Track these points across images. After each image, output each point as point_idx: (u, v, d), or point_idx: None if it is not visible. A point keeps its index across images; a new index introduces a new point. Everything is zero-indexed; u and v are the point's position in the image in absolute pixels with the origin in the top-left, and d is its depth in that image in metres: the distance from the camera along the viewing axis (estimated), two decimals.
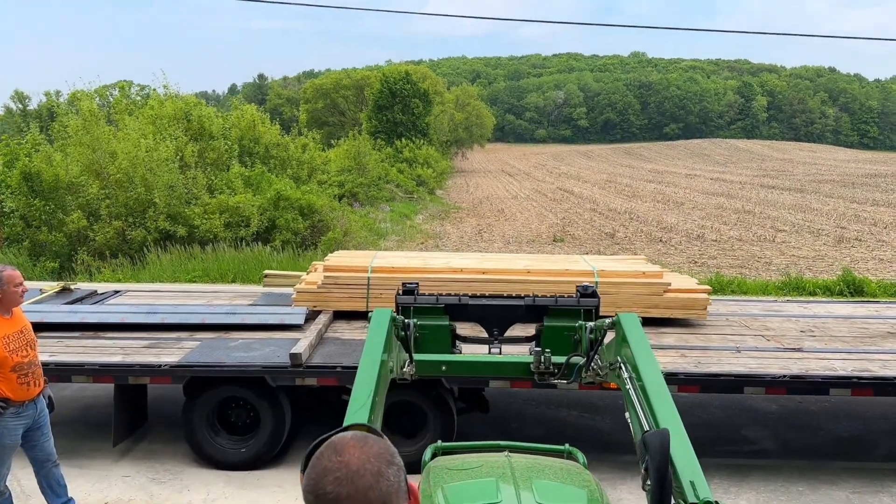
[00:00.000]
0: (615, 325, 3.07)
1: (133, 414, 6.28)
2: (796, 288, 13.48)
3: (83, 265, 15.15)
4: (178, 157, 17.24)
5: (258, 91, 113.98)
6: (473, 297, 3.46)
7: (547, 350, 3.26)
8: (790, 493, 5.63)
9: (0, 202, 16.63)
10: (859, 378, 5.52)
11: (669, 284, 7.00)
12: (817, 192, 41.35)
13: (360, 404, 2.49)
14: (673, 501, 2.14)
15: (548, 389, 6.52)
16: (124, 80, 29.63)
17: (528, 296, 3.45)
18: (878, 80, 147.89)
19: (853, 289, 13.26)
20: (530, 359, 3.29)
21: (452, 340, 3.44)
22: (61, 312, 6.88)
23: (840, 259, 19.41)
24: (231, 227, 16.17)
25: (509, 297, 3.52)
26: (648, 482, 2.14)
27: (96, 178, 16.26)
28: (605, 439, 6.61)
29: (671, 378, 5.51)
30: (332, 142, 38.42)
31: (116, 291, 8.40)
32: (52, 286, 8.20)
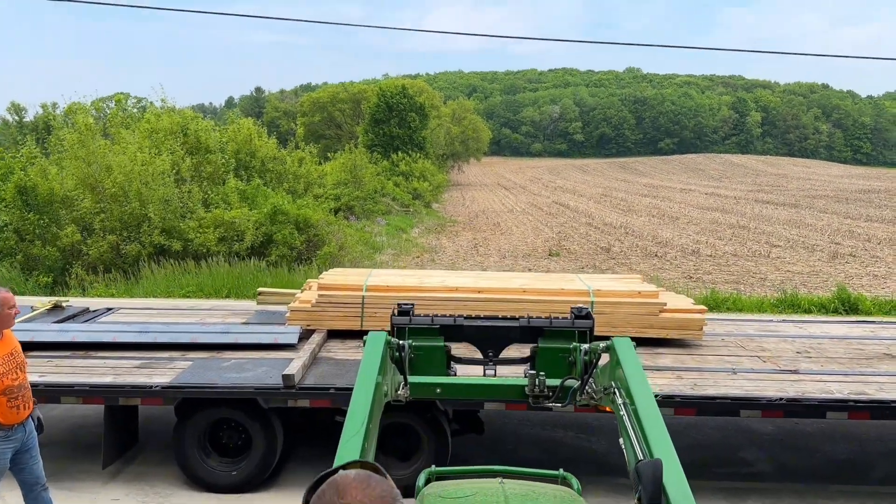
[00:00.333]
0: (609, 350, 3.06)
1: (123, 435, 6.20)
2: (791, 305, 13.49)
3: (77, 279, 15.05)
4: (174, 171, 17.21)
5: (255, 104, 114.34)
6: (468, 318, 3.44)
7: (541, 373, 3.24)
8: None
9: None
10: (856, 401, 5.50)
11: (665, 304, 6.98)
12: (811, 207, 41.54)
13: (355, 431, 2.48)
14: None
15: (543, 411, 6.48)
16: (121, 93, 29.65)
17: (523, 317, 3.44)
18: (870, 97, 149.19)
19: (848, 306, 13.28)
20: (525, 381, 3.27)
21: (447, 362, 3.42)
22: (52, 331, 6.81)
23: (834, 275, 19.45)
24: (225, 242, 16.10)
25: (504, 318, 3.50)
26: None
27: (91, 192, 16.21)
28: (600, 461, 6.56)
29: (668, 401, 5.48)
30: (329, 155, 38.47)
31: (109, 309, 8.33)
32: (43, 303, 8.13)
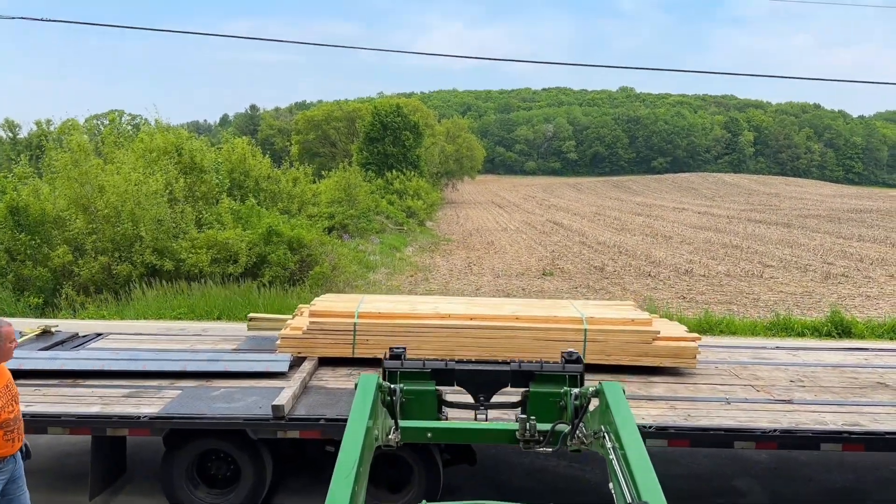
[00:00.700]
0: (599, 394, 3.09)
1: (111, 465, 6.11)
2: (785, 328, 13.50)
3: (67, 301, 14.95)
4: (167, 191, 17.18)
5: (250, 121, 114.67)
6: (460, 362, 3.45)
7: (532, 417, 3.24)
8: None
9: None
10: (850, 433, 5.47)
11: (659, 332, 6.96)
12: (804, 226, 41.77)
13: (345, 475, 2.48)
14: None
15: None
16: (115, 111, 29.71)
17: (513, 361, 3.45)
18: (861, 117, 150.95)
19: (841, 329, 13.31)
20: (515, 426, 3.26)
21: (439, 406, 3.42)
22: (40, 359, 6.74)
23: (827, 295, 19.51)
24: (219, 263, 16.03)
25: (495, 362, 3.51)
26: None
27: (83, 213, 16.14)
28: (593, 490, 6.50)
29: (661, 432, 5.44)
30: (324, 173, 38.55)
31: (98, 334, 8.25)
32: (32, 328, 8.05)
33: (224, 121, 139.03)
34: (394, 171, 47.31)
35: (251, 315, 8.56)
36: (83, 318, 13.21)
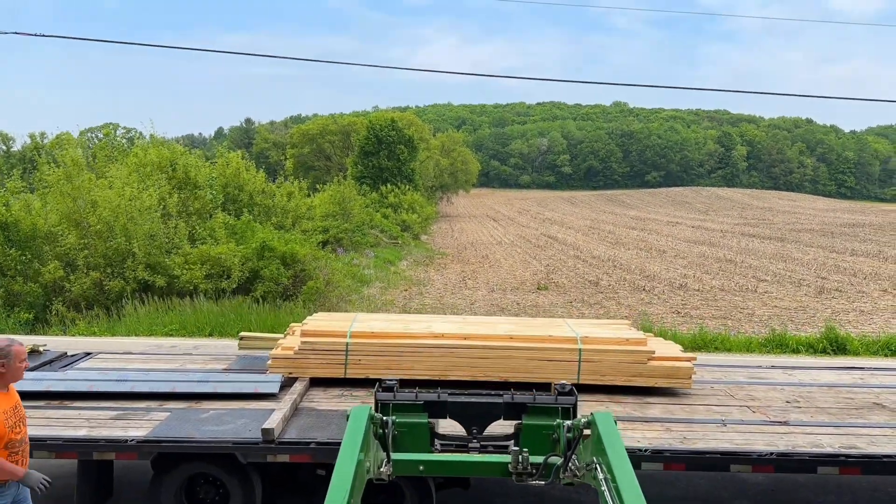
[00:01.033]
0: (591, 425, 3.06)
1: (97, 488, 5.99)
2: (780, 345, 13.48)
3: (58, 317, 14.81)
4: (160, 206, 17.10)
5: (245, 135, 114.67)
6: (453, 394, 3.40)
7: (525, 450, 3.20)
8: None
9: None
10: (847, 456, 5.41)
11: (654, 352, 6.90)
12: (797, 241, 41.93)
13: None
14: None
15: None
16: (109, 124, 29.66)
17: (506, 393, 3.40)
18: (853, 132, 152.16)
19: (836, 346, 13.30)
20: (508, 458, 3.22)
21: (431, 438, 3.37)
22: (27, 380, 6.60)
23: (821, 310, 19.52)
24: (212, 279, 15.93)
25: (489, 394, 3.46)
26: None
27: (76, 228, 16.04)
28: None
29: (657, 455, 5.37)
30: (318, 187, 38.53)
31: (87, 353, 8.14)
32: None
33: (219, 134, 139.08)
34: (388, 185, 47.38)
35: (242, 334, 8.47)
36: (73, 335, 13.09)
